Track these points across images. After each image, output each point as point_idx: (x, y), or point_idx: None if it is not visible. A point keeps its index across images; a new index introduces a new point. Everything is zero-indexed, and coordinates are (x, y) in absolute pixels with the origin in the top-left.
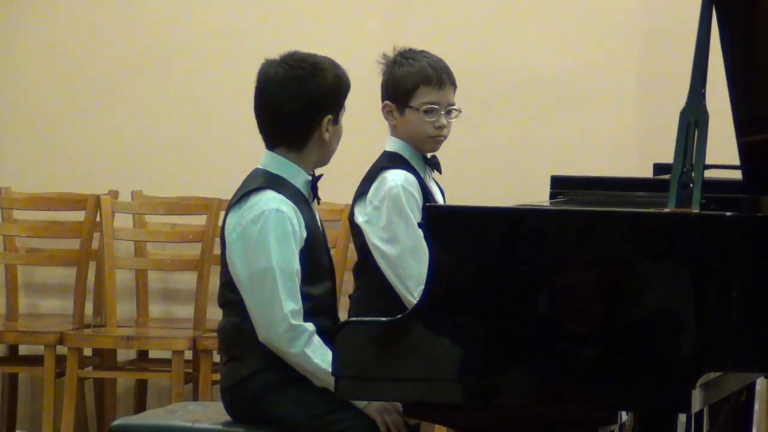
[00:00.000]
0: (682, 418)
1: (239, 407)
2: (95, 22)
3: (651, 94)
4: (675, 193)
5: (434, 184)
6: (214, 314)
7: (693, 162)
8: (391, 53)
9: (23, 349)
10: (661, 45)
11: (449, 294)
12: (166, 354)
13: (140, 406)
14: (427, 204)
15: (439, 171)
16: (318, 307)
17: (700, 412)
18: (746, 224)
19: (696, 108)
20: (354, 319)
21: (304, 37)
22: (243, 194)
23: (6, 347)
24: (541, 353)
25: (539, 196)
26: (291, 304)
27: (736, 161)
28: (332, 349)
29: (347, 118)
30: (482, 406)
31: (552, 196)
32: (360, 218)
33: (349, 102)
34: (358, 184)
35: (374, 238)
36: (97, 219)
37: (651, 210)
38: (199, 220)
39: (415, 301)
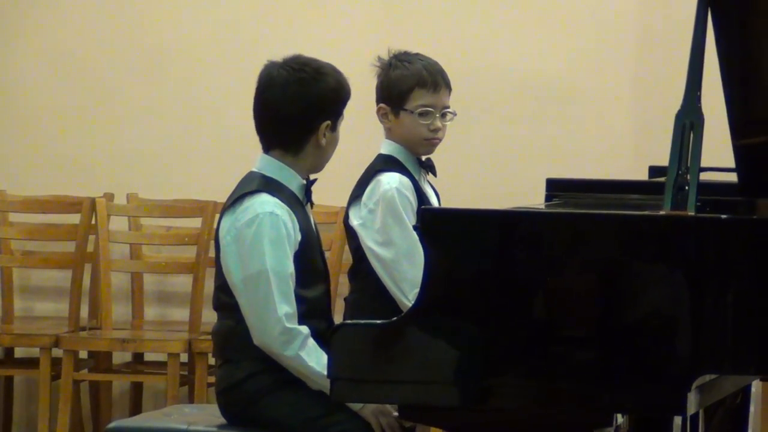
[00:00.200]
0: (677, 420)
1: (234, 410)
2: (90, 25)
3: (646, 96)
4: (670, 196)
5: (429, 186)
6: (210, 317)
7: (688, 164)
8: (385, 56)
9: (18, 352)
10: (657, 47)
11: (444, 297)
12: (161, 357)
13: (136, 409)
14: (423, 207)
15: (434, 174)
16: (312, 310)
17: (696, 414)
18: (742, 227)
19: (691, 110)
20: (349, 321)
21: (300, 39)
22: (238, 197)
23: (1, 350)
24: (536, 356)
25: (535, 198)
26: (285, 307)
27: (732, 164)
28: (327, 352)
29: (342, 120)
30: (478, 408)
31: (547, 198)
32: (355, 221)
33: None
34: (353, 186)
35: (369, 241)
36: (93, 222)
37: (646, 213)
38: (195, 223)
39: (410, 304)
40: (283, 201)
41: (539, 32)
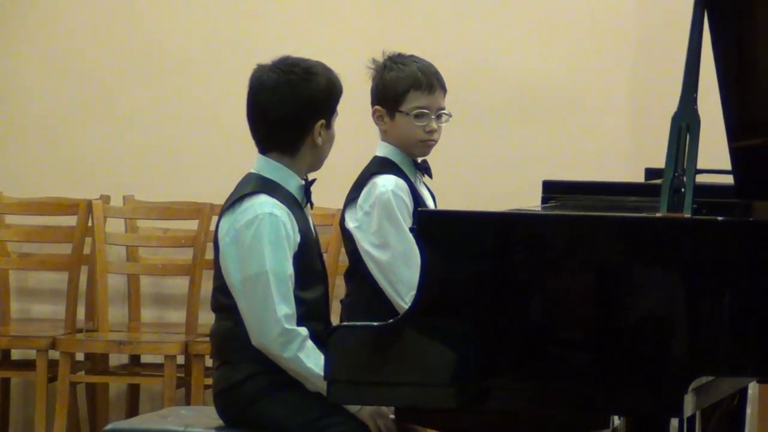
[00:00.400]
0: (674, 422)
1: (232, 411)
2: (87, 28)
3: (643, 98)
4: (666, 198)
5: (425, 188)
6: (206, 319)
7: (685, 167)
8: (380, 58)
9: (15, 354)
10: (653, 50)
11: (441, 298)
12: (158, 358)
13: (132, 411)
14: (419, 209)
15: (430, 176)
16: (311, 312)
17: (693, 416)
18: (738, 229)
19: (688, 113)
20: (346, 323)
21: (295, 41)
22: (236, 198)
23: None
24: (533, 358)
25: (531, 200)
26: (284, 308)
27: (728, 166)
28: (324, 354)
29: (338, 123)
30: (475, 410)
31: (544, 200)
32: (351, 224)
33: (340, 107)
34: (349, 189)
35: (365, 244)
36: (89, 224)
37: (642, 215)
38: (191, 225)
39: (406, 306)
40: (281, 202)
41: (535, 35)
